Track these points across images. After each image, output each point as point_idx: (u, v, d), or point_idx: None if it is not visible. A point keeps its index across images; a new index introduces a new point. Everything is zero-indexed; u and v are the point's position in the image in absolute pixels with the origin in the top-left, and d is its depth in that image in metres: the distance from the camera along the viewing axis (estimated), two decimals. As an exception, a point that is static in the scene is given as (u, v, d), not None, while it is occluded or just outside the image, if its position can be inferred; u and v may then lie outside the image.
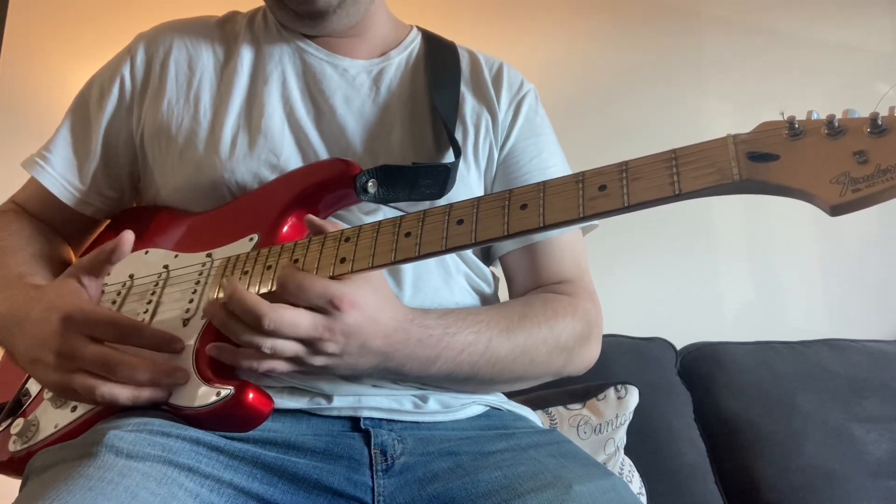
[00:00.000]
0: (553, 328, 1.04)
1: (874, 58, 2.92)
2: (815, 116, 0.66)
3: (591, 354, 1.11)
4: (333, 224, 0.94)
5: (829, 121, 0.64)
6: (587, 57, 2.84)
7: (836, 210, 0.62)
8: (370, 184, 1.02)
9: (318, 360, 0.86)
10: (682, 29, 2.91)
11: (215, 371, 0.92)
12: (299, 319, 0.83)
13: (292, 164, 1.08)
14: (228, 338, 0.93)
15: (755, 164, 0.66)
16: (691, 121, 2.77)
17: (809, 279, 2.77)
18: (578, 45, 2.84)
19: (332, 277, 0.86)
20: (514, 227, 0.77)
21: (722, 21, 2.93)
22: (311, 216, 0.95)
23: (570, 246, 1.16)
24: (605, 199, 0.73)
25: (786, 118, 0.66)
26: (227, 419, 0.89)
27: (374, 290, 0.88)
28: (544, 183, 0.79)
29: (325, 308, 0.83)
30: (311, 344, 0.84)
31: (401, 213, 0.89)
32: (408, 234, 0.84)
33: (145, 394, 0.90)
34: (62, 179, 1.16)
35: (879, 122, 0.62)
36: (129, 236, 0.97)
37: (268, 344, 0.83)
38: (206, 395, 0.89)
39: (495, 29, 2.76)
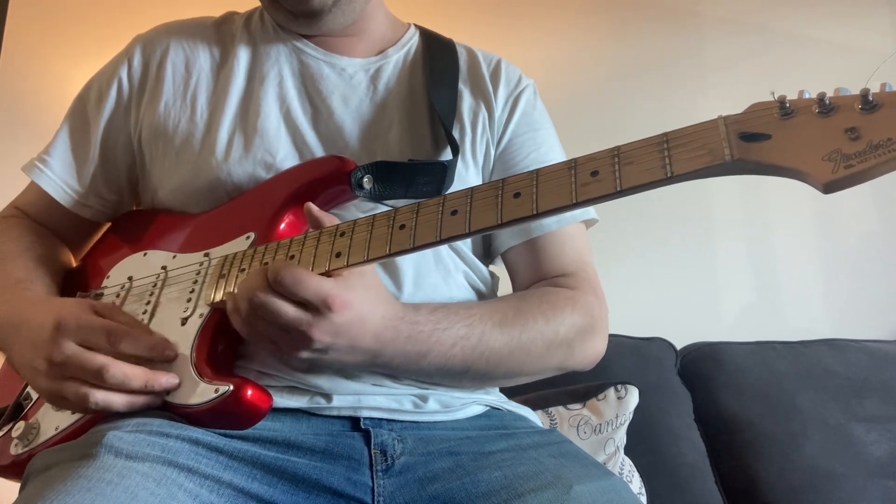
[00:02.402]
0: (550, 322, 1.03)
1: (874, 58, 2.92)
2: (806, 96, 0.67)
3: (594, 348, 1.10)
4: (331, 217, 0.94)
5: (820, 99, 0.64)
6: (586, 55, 2.84)
7: (828, 187, 0.62)
8: (365, 180, 1.02)
9: (304, 354, 0.86)
10: (682, 28, 2.92)
11: (214, 368, 0.92)
12: (286, 308, 0.82)
13: (288, 164, 1.08)
14: (226, 333, 0.94)
15: (747, 144, 0.66)
16: (691, 119, 2.75)
17: (809, 279, 2.77)
18: (577, 43, 2.85)
19: (328, 273, 0.86)
20: (508, 215, 0.77)
21: (722, 21, 2.94)
22: (310, 204, 0.95)
23: (571, 239, 1.15)
24: (597, 184, 0.73)
25: (777, 98, 0.67)
26: (226, 416, 0.89)
27: (366, 290, 0.88)
28: (537, 171, 0.78)
29: (318, 306, 0.82)
30: (295, 336, 0.84)
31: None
32: (402, 227, 0.84)
33: (140, 400, 0.90)
34: (61, 182, 1.17)
35: (870, 99, 0.62)
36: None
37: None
38: (204, 392, 0.89)
39: (494, 27, 2.77)
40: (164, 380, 0.90)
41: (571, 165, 0.76)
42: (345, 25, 1.18)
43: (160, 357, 0.93)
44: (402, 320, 0.92)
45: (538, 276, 1.14)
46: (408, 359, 0.93)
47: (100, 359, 0.88)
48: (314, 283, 0.82)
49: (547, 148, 1.20)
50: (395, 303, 0.93)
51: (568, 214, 1.12)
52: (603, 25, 2.88)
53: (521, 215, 0.76)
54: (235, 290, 0.89)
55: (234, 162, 1.07)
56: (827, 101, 0.64)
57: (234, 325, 0.89)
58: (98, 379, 0.88)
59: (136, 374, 0.89)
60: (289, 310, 0.82)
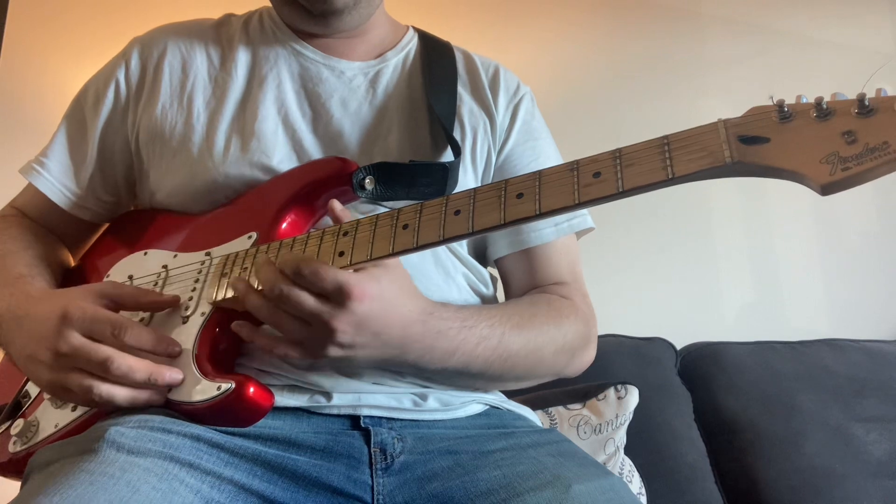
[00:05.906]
0: (560, 327, 1.05)
1: (874, 58, 2.92)
2: (804, 100, 0.68)
3: (588, 356, 1.13)
4: (350, 214, 0.94)
5: (818, 103, 0.66)
6: (586, 56, 2.84)
7: (826, 189, 0.63)
8: (367, 180, 1.02)
9: (333, 352, 0.86)
10: (682, 29, 2.93)
11: (215, 366, 0.93)
12: (307, 298, 0.82)
13: (285, 167, 1.07)
14: (228, 332, 0.94)
15: (746, 146, 0.67)
16: (691, 121, 2.75)
17: (809, 279, 2.78)
18: (577, 44, 2.85)
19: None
20: (511, 215, 0.78)
21: (722, 21, 2.94)
22: (335, 200, 0.96)
23: (564, 249, 1.17)
24: (599, 185, 0.73)
25: (775, 102, 0.67)
26: (228, 414, 0.89)
27: (391, 282, 0.87)
28: (539, 172, 0.79)
29: (337, 297, 0.82)
30: (318, 329, 0.84)
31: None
32: (406, 226, 0.84)
33: (143, 395, 0.90)
34: (59, 184, 1.17)
35: (866, 103, 0.63)
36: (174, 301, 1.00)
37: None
38: (206, 389, 0.89)
39: (493, 28, 2.77)
40: (168, 374, 0.90)
41: (574, 167, 0.77)
42: (357, 25, 1.19)
43: (165, 352, 0.93)
44: (432, 315, 0.92)
45: (532, 284, 1.15)
46: (437, 355, 0.93)
47: (105, 350, 0.88)
48: (332, 273, 0.82)
49: (546, 157, 1.20)
50: (423, 298, 0.93)
51: (564, 225, 1.15)
52: (603, 26, 2.88)
53: (524, 215, 0.77)
54: (256, 284, 0.89)
55: (230, 165, 1.07)
56: (824, 106, 0.65)
57: (260, 317, 0.88)
58: (103, 370, 0.88)
59: (140, 367, 0.89)
60: (309, 300, 0.82)
